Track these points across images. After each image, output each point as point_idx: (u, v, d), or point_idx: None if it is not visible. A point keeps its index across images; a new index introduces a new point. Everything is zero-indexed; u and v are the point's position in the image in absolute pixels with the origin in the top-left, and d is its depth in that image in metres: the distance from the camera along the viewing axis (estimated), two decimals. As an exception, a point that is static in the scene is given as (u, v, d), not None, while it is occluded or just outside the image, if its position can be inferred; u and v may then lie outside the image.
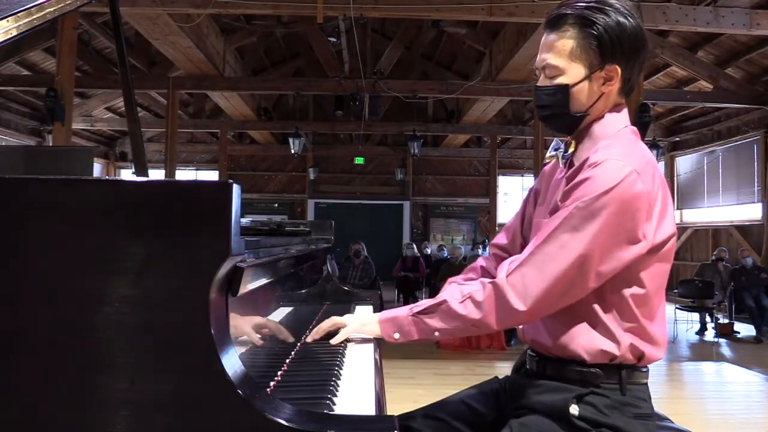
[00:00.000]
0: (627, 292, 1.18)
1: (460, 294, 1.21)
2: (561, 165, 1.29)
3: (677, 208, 11.82)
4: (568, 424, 1.17)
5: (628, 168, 1.12)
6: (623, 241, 1.13)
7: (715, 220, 10.62)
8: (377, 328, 1.29)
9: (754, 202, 9.60)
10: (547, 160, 1.35)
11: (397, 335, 1.26)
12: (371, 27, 10.05)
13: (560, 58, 1.21)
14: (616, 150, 1.16)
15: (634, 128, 1.26)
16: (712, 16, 6.21)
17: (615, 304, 1.18)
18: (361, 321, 1.34)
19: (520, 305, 1.14)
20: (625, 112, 1.27)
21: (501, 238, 1.50)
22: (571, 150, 1.26)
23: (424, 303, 1.26)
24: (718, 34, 7.52)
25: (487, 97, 9.62)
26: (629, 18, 1.19)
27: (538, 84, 1.26)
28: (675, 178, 11.93)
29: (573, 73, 1.20)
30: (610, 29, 1.17)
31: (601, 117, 1.24)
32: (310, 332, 1.45)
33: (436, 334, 1.23)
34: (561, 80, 1.21)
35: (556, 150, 1.30)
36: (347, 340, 1.37)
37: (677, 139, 11.60)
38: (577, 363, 1.19)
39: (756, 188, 9.53)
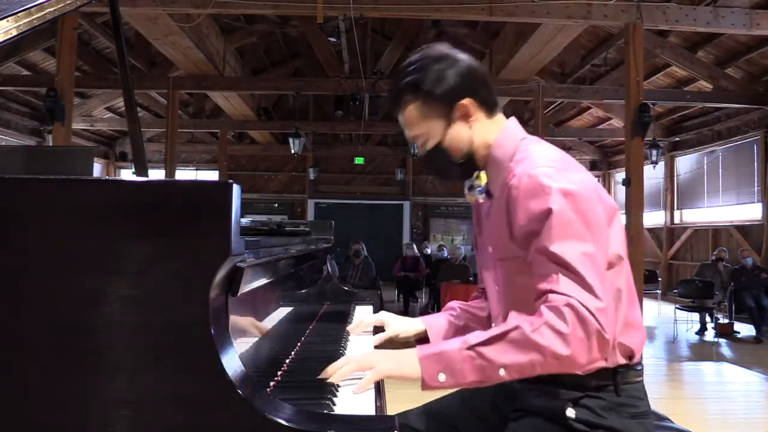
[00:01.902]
0: (617, 298, 1.17)
1: (529, 323, 1.05)
2: (483, 199, 1.30)
3: (677, 208, 11.82)
4: (565, 426, 1.18)
5: (550, 168, 1.14)
6: (599, 223, 1.13)
7: (715, 220, 10.61)
8: (417, 367, 1.05)
9: (754, 202, 9.59)
10: (469, 200, 1.36)
11: (443, 377, 1.04)
12: (371, 27, 10.06)
13: (417, 127, 1.26)
14: (528, 162, 1.18)
15: (533, 137, 1.28)
16: (712, 16, 6.20)
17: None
18: (397, 360, 1.08)
19: (606, 333, 1.04)
20: (512, 124, 1.30)
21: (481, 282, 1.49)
22: (484, 183, 1.28)
23: (481, 333, 1.07)
24: (718, 34, 7.51)
25: (487, 97, 9.60)
26: (446, 58, 1.24)
27: (419, 154, 1.32)
28: (675, 178, 11.91)
29: (434, 131, 1.25)
30: (434, 81, 1.22)
31: (494, 142, 1.26)
32: (305, 335, 1.45)
33: (501, 373, 1.03)
34: (431, 143, 1.27)
35: (470, 189, 1.32)
36: (346, 340, 1.37)
37: (677, 139, 11.58)
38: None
39: (756, 188, 9.52)
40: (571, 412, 1.17)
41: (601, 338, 1.03)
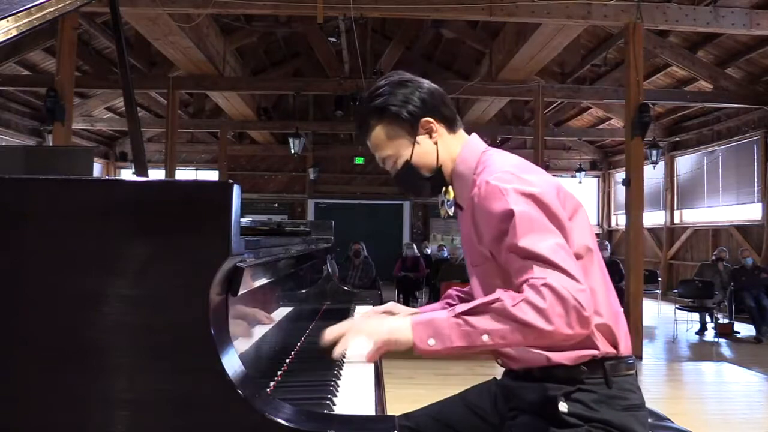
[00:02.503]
0: (592, 284, 1.19)
1: (510, 298, 1.09)
2: (452, 212, 1.38)
3: (677, 208, 11.81)
4: (559, 421, 1.20)
5: (506, 173, 1.19)
6: (561, 218, 1.17)
7: (715, 220, 10.60)
8: (409, 333, 1.12)
9: (754, 202, 9.58)
10: (442, 214, 1.42)
11: (432, 341, 1.10)
12: (371, 27, 10.05)
13: (386, 148, 1.33)
14: (487, 170, 1.24)
15: (494, 148, 1.34)
16: (712, 16, 6.20)
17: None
18: (389, 328, 1.15)
19: (585, 311, 1.06)
20: (474, 139, 1.36)
21: None
22: (451, 197, 1.36)
23: (468, 303, 1.13)
24: (718, 34, 7.51)
25: (487, 97, 9.62)
26: (410, 83, 1.32)
27: (392, 174, 1.38)
28: (675, 178, 11.90)
29: (403, 150, 1.32)
30: (399, 102, 1.30)
31: (457, 157, 1.32)
32: (311, 332, 1.44)
33: (485, 338, 1.08)
34: (401, 161, 1.34)
35: (442, 204, 1.39)
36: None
37: (677, 139, 11.58)
38: (560, 365, 1.21)
39: (756, 188, 9.52)
40: (563, 406, 1.19)
41: (580, 314, 1.06)
